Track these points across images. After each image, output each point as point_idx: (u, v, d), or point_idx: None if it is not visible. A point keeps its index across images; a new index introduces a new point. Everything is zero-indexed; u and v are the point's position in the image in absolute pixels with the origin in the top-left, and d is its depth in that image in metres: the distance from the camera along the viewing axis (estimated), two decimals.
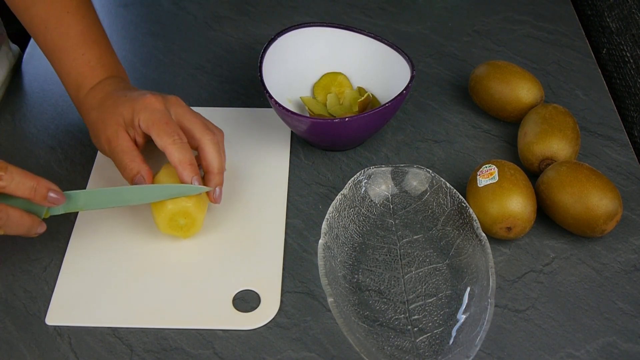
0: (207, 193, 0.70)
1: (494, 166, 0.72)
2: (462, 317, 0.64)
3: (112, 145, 0.71)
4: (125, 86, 0.76)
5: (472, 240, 0.68)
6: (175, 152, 0.68)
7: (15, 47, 0.97)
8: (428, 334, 0.64)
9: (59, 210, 0.67)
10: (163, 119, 0.69)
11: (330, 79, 0.85)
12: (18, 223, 0.63)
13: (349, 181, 0.72)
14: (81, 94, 0.76)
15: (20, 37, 0.97)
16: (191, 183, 0.68)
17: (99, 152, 0.81)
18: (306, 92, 0.86)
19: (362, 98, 0.81)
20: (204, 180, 0.71)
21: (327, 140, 0.79)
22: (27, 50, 0.96)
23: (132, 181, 0.70)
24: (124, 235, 0.73)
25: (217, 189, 0.70)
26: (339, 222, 0.70)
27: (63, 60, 0.76)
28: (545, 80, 0.90)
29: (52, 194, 0.64)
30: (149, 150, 0.73)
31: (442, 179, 0.72)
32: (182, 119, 0.71)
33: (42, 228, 0.66)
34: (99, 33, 0.78)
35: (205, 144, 0.70)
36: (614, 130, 0.84)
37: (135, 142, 0.71)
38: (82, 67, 0.76)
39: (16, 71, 0.93)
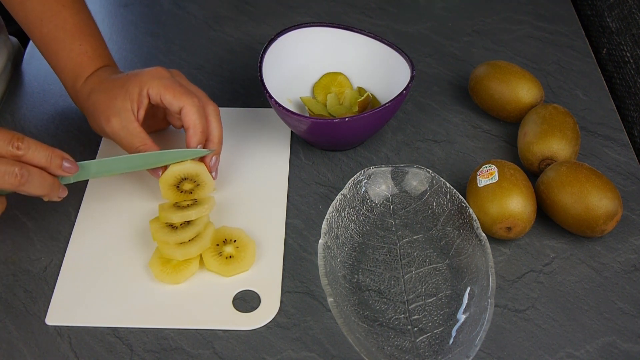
0: (204, 160, 0.72)
1: (494, 166, 0.72)
2: (462, 317, 0.64)
3: (116, 127, 0.72)
4: (121, 72, 0.77)
5: (472, 240, 0.68)
6: (192, 114, 0.70)
7: (14, 39, 0.98)
8: (428, 334, 0.64)
9: (70, 179, 0.68)
10: (176, 84, 0.72)
11: (330, 79, 0.85)
12: (40, 181, 0.64)
13: (349, 181, 0.72)
14: (78, 83, 0.77)
15: (20, 37, 0.97)
16: (196, 148, 0.71)
17: (99, 153, 0.81)
18: (306, 92, 0.86)
19: (362, 98, 0.81)
20: (204, 147, 0.73)
21: (327, 140, 0.79)
22: (28, 50, 0.96)
23: (147, 165, 0.72)
24: (124, 235, 0.73)
25: (214, 157, 0.73)
26: (339, 222, 0.70)
27: (60, 53, 0.77)
28: (545, 80, 0.90)
29: (66, 163, 0.65)
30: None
31: (442, 179, 0.72)
32: (188, 87, 0.73)
33: (63, 192, 0.67)
34: (94, 27, 0.80)
35: (210, 113, 0.73)
36: (614, 130, 0.83)
37: (137, 118, 0.72)
38: (79, 58, 0.77)
39: (16, 66, 0.93)
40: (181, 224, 0.69)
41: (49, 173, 0.65)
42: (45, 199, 0.66)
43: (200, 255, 0.69)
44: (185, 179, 0.71)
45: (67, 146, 0.82)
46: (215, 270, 0.69)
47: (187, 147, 0.71)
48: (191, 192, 0.72)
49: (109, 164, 0.70)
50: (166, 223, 0.69)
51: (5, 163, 0.61)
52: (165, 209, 0.70)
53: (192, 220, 0.69)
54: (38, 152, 0.63)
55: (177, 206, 0.70)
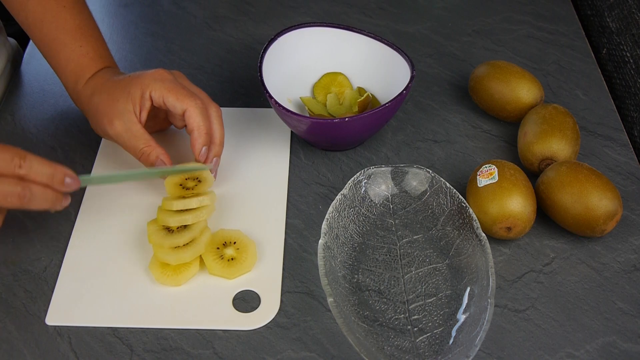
0: (205, 162, 0.73)
1: (494, 166, 0.72)
2: (462, 317, 0.64)
3: (119, 130, 0.72)
4: (123, 73, 0.77)
5: (472, 240, 0.68)
6: (196, 116, 0.71)
7: (12, 40, 0.98)
8: (428, 334, 0.64)
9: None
10: (179, 86, 0.72)
11: (330, 79, 0.85)
12: (42, 197, 0.63)
13: (349, 181, 0.72)
14: (80, 84, 0.77)
15: (21, 37, 0.98)
16: (200, 150, 0.71)
17: (99, 152, 0.81)
18: (306, 92, 0.86)
19: (362, 98, 0.81)
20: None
21: (327, 140, 0.79)
22: (27, 50, 0.96)
23: (153, 165, 0.72)
24: (124, 235, 0.73)
25: (215, 158, 0.73)
26: (339, 222, 0.70)
27: (61, 53, 0.77)
28: (545, 80, 0.90)
29: (68, 180, 0.65)
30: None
31: (442, 179, 0.72)
32: (190, 89, 0.73)
33: (66, 201, 0.66)
34: (94, 27, 0.79)
35: (212, 115, 0.73)
36: (614, 130, 0.84)
37: (140, 120, 0.72)
38: (80, 59, 0.77)
39: (16, 67, 0.93)
40: (177, 228, 0.69)
41: (52, 188, 0.64)
42: (52, 211, 0.66)
43: (201, 257, 0.69)
44: (187, 178, 0.72)
45: (67, 146, 0.82)
46: (218, 274, 0.68)
47: (192, 149, 0.72)
48: (194, 187, 0.72)
49: (110, 178, 0.70)
50: (163, 226, 0.69)
51: (7, 183, 0.61)
52: (163, 212, 0.70)
53: (188, 225, 0.69)
54: (40, 170, 0.62)
55: (177, 210, 0.70)
